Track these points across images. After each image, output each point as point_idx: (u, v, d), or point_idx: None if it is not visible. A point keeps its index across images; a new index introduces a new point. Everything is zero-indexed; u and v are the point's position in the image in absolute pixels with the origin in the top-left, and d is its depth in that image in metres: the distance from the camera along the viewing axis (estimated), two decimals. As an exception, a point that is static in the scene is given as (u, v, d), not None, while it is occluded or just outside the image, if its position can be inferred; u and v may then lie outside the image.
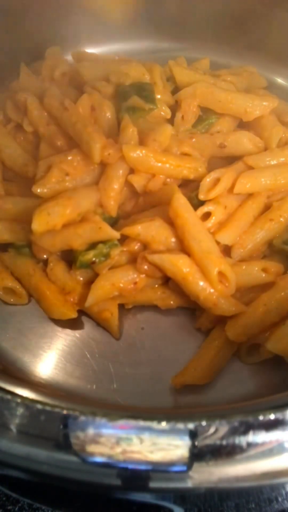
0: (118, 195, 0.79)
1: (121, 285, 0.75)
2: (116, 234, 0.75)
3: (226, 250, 0.77)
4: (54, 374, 0.75)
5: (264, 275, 0.74)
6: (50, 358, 0.77)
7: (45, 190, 0.77)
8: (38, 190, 0.76)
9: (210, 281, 0.71)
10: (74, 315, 0.77)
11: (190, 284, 0.72)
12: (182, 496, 0.55)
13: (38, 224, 0.72)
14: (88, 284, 0.76)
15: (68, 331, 0.79)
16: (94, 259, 0.75)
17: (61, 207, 0.73)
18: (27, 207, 0.78)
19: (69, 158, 0.79)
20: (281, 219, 0.79)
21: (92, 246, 0.76)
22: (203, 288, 0.72)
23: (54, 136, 0.83)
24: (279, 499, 0.60)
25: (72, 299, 0.78)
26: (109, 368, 0.75)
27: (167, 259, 0.72)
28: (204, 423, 0.46)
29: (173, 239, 0.74)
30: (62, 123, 0.82)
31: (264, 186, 0.80)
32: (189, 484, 0.46)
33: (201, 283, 0.72)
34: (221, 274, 0.72)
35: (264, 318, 0.71)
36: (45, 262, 0.81)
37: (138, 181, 0.79)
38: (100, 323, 0.79)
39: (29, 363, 0.76)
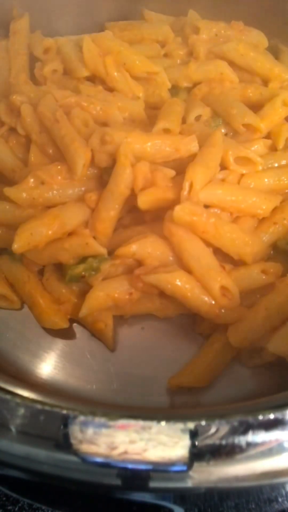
0: (113, 222, 0.77)
1: (116, 295, 0.73)
2: (103, 250, 0.73)
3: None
4: (54, 374, 0.75)
5: (264, 277, 0.74)
6: (50, 358, 0.77)
7: (24, 195, 0.75)
8: (10, 194, 0.75)
9: (213, 296, 0.71)
10: (65, 325, 0.77)
11: (190, 300, 0.71)
12: (182, 496, 0.55)
13: (19, 246, 0.72)
14: (83, 294, 0.75)
15: (68, 331, 0.79)
16: (83, 273, 0.74)
17: (44, 228, 0.73)
18: (15, 215, 0.77)
19: (48, 167, 0.77)
20: (285, 221, 0.78)
21: (82, 259, 0.75)
22: (204, 302, 0.71)
23: (46, 144, 0.82)
24: (279, 499, 0.60)
25: (65, 309, 0.77)
26: (109, 368, 0.75)
27: (164, 279, 0.71)
28: (203, 423, 0.46)
29: (169, 253, 0.73)
30: (52, 134, 0.81)
31: (267, 186, 0.80)
32: (189, 484, 0.46)
33: (202, 298, 0.71)
34: (223, 287, 0.71)
35: (266, 322, 0.71)
36: (41, 271, 0.81)
37: (144, 202, 0.75)
38: (94, 334, 0.78)
39: (29, 363, 0.76)
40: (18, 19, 0.99)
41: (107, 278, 0.75)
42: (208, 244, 0.73)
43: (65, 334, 0.79)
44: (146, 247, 0.73)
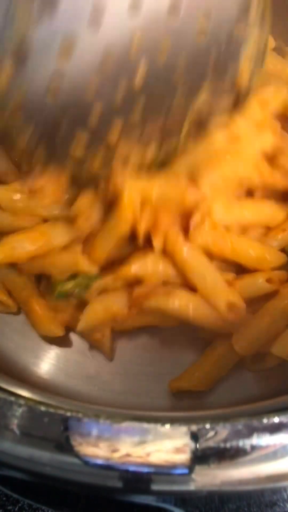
0: (110, 252, 0.72)
1: (115, 309, 0.71)
2: (93, 269, 0.71)
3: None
4: (56, 374, 0.75)
5: (269, 285, 0.73)
6: (51, 359, 0.77)
7: (17, 204, 0.72)
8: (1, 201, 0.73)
9: (219, 313, 0.69)
10: (61, 333, 0.76)
11: (193, 318, 0.70)
12: (183, 499, 0.55)
13: (1, 257, 0.70)
14: (80, 304, 0.73)
15: (70, 331, 0.78)
16: (72, 290, 0.72)
17: (28, 243, 0.70)
18: (4, 224, 0.74)
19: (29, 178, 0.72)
20: (293, 227, 0.78)
21: (72, 275, 0.72)
22: (208, 318, 0.70)
23: None
24: (281, 502, 0.60)
25: (62, 318, 0.76)
26: (111, 368, 0.75)
27: (163, 302, 0.70)
28: (208, 426, 0.45)
29: (171, 270, 0.71)
30: None
31: None
32: (191, 487, 0.45)
33: (205, 315, 0.70)
34: (229, 303, 0.70)
35: (270, 328, 0.70)
36: (39, 277, 0.79)
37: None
38: (92, 345, 0.77)
39: (30, 364, 0.76)
40: None
41: (105, 292, 0.73)
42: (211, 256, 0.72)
43: (63, 340, 0.78)
44: (147, 266, 0.70)
